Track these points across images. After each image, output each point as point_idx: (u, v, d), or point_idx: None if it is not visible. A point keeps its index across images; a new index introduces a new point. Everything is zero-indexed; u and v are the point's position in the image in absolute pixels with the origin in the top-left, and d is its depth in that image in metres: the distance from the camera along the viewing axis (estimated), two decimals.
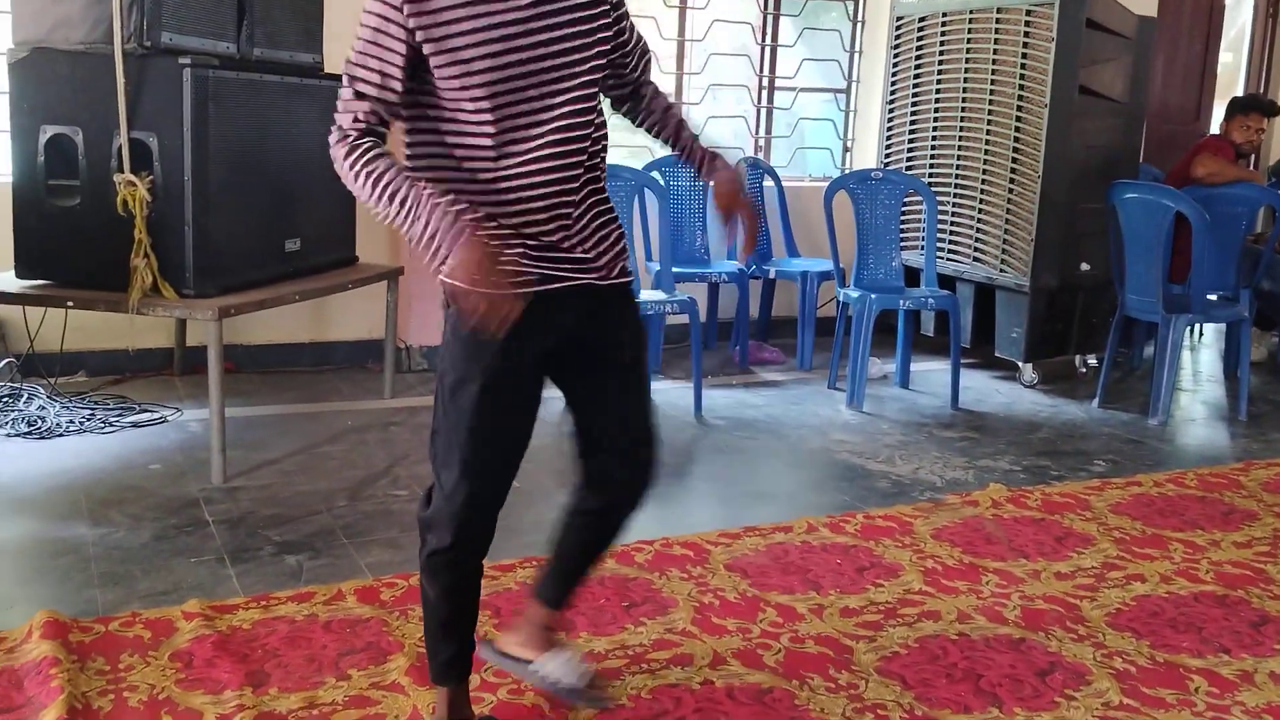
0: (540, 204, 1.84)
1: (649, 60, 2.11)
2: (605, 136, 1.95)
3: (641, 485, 2.06)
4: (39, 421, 3.89)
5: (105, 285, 3.41)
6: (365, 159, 1.79)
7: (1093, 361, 5.29)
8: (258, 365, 4.83)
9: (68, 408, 4.04)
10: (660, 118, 2.12)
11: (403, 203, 1.76)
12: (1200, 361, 6.06)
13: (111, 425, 3.94)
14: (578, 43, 1.83)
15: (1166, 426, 4.54)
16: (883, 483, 3.68)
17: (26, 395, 4.08)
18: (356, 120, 1.82)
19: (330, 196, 4.13)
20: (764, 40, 6.10)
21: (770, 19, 6.10)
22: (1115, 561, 3.03)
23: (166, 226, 3.38)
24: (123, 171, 3.34)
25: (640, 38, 2.07)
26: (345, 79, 1.83)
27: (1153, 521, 3.36)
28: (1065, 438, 4.31)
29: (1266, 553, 3.14)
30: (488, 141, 1.80)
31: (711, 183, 2.05)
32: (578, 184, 1.88)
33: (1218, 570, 3.00)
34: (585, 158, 1.88)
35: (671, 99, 2.15)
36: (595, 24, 1.87)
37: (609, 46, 1.92)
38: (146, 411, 4.10)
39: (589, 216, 1.93)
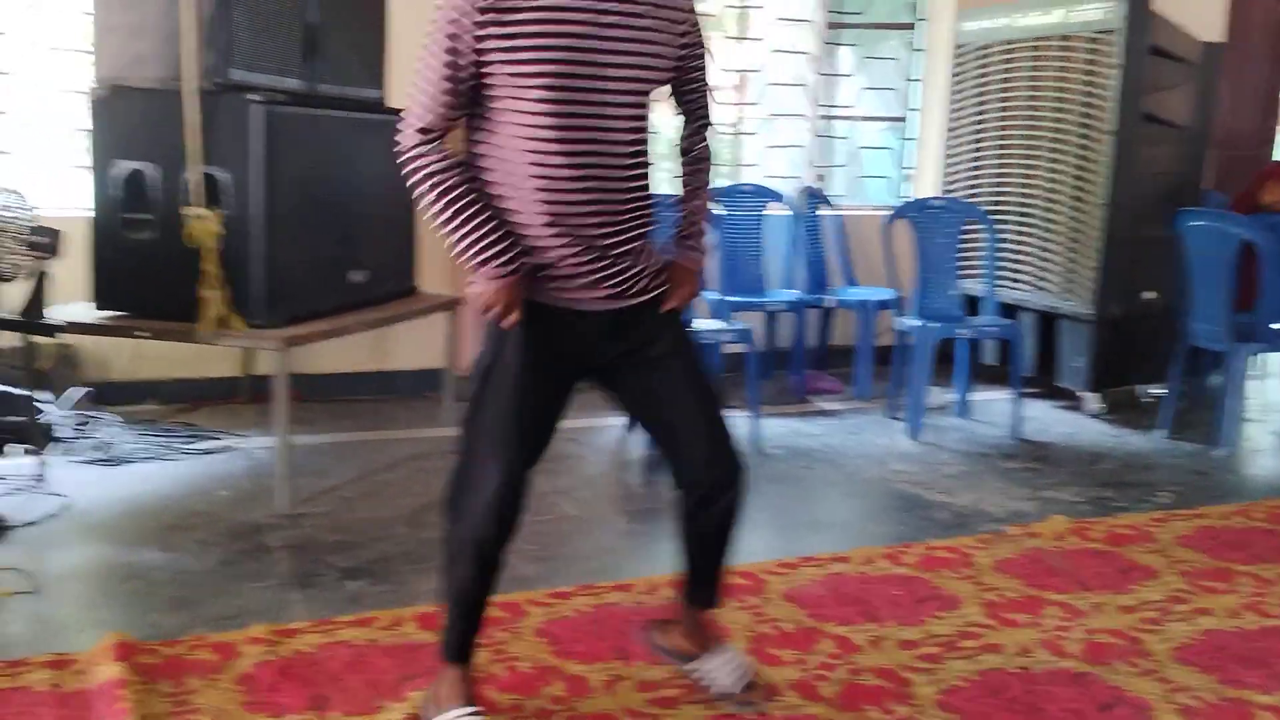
0: (587, 206, 1.97)
1: (705, 96, 2.19)
2: (647, 150, 2.06)
3: (728, 465, 2.14)
4: (111, 448, 3.99)
5: (177, 316, 3.50)
6: (437, 169, 1.95)
7: (1155, 391, 5.20)
8: (321, 394, 4.91)
9: (139, 435, 4.15)
10: (688, 174, 2.24)
11: (463, 220, 1.95)
12: (1267, 391, 5.92)
13: (181, 452, 4.04)
14: (639, 56, 1.95)
15: (1233, 457, 4.45)
16: (942, 514, 3.64)
17: (100, 423, 4.20)
18: (427, 123, 1.96)
19: (392, 228, 4.23)
20: (822, 70, 6.12)
21: (828, 49, 6.11)
22: (1180, 595, 2.97)
23: (236, 259, 3.47)
24: (194, 205, 3.44)
25: (703, 73, 2.16)
26: (420, 78, 1.96)
27: (1219, 554, 3.29)
28: (1129, 469, 4.24)
29: None
30: (546, 144, 1.93)
31: (676, 261, 2.19)
32: (622, 192, 2.01)
33: None
34: (631, 164, 2.01)
35: (707, 169, 2.26)
36: (661, 42, 1.99)
37: (672, 66, 2.04)
38: (214, 439, 4.20)
39: (631, 226, 2.04)
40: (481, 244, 1.95)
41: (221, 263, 3.44)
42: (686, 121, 2.25)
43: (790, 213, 5.59)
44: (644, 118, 2.02)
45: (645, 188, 2.07)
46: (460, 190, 1.95)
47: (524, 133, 1.93)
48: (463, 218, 1.95)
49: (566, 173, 1.93)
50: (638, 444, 4.31)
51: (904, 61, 6.27)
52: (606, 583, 2.95)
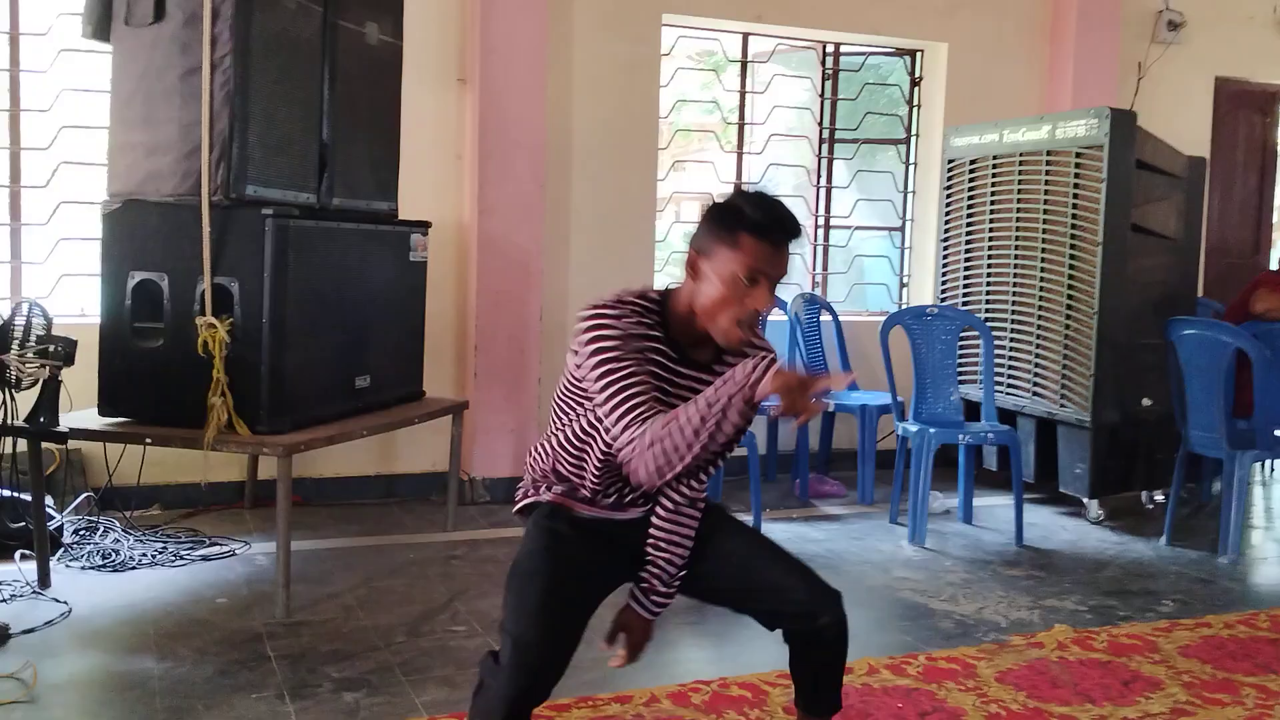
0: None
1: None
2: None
3: (825, 590, 2.21)
4: (113, 554, 4.00)
5: (182, 423, 3.55)
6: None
7: (1160, 498, 5.21)
8: (326, 498, 4.93)
9: (141, 541, 4.16)
10: (669, 520, 2.32)
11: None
12: (1272, 497, 5.92)
13: (182, 559, 4.04)
14: None
15: (1237, 565, 4.44)
16: (946, 622, 3.63)
17: (103, 528, 4.21)
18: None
19: (400, 334, 4.31)
20: (819, 182, 6.27)
21: (824, 162, 6.27)
22: (1185, 707, 2.95)
23: (243, 366, 3.53)
24: (204, 315, 3.52)
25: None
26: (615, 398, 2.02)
27: (1223, 665, 3.27)
28: (1132, 576, 4.23)
29: None
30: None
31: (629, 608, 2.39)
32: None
33: None
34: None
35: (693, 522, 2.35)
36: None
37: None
38: (216, 545, 4.21)
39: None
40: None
41: (228, 370, 3.50)
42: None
43: (789, 319, 5.68)
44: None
45: None
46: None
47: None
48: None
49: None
50: None
51: (898, 175, 6.43)
52: (605, 695, 2.93)
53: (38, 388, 3.54)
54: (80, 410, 3.79)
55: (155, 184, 3.62)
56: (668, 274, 6.15)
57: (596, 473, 2.20)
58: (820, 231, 6.30)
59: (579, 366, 2.08)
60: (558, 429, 2.23)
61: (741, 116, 6.03)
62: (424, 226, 4.37)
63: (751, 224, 2.00)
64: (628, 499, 2.27)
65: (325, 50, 3.85)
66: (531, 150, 5.10)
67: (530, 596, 2.08)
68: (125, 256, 3.67)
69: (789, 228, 2.03)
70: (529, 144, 5.10)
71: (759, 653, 3.32)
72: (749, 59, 6.02)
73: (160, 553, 4.07)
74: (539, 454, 2.30)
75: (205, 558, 4.07)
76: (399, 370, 4.34)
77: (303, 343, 3.67)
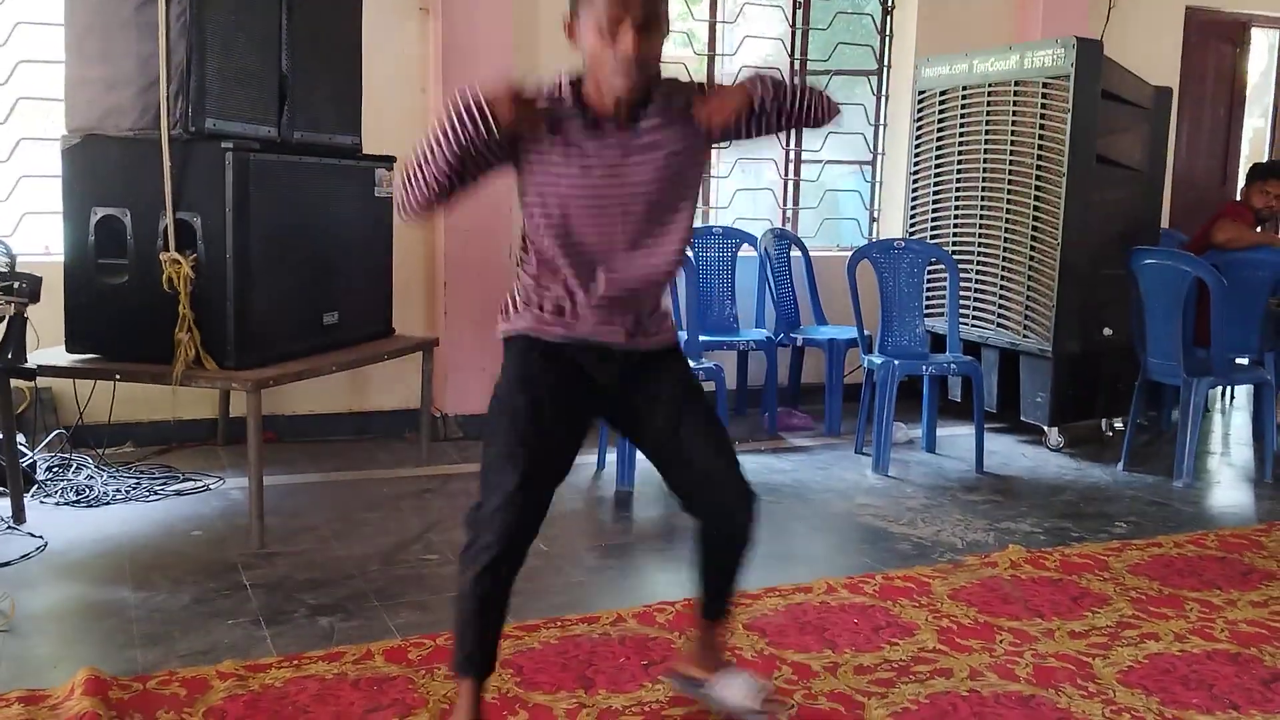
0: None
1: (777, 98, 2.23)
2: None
3: (743, 492, 2.28)
4: (87, 490, 4.04)
5: (151, 359, 3.58)
6: None
7: (1119, 425, 5.31)
8: (299, 435, 4.98)
9: (115, 477, 4.20)
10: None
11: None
12: (1231, 425, 6.05)
13: (156, 494, 4.09)
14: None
15: (1191, 489, 4.55)
16: (904, 545, 3.73)
17: (76, 465, 4.25)
18: None
19: (368, 271, 4.32)
20: None
21: None
22: (1130, 620, 3.06)
23: (209, 302, 3.55)
24: (168, 250, 3.53)
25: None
26: None
27: (1170, 581, 3.38)
28: (1088, 500, 4.34)
29: None
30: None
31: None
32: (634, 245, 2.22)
33: (1233, 629, 3.01)
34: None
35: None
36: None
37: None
38: (190, 480, 4.25)
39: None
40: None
41: (194, 306, 3.53)
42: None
43: (759, 254, 5.71)
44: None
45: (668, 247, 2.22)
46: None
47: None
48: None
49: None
50: (609, 481, 4.39)
51: (870, 107, 6.43)
52: (573, 615, 3.01)
53: (3, 325, 3.55)
54: (48, 348, 3.81)
55: (114, 119, 3.61)
56: None
57: (553, 251, 2.19)
58: (790, 166, 6.32)
59: None
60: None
61: (711, 48, 6.01)
62: (389, 161, 4.36)
63: None
64: (605, 298, 2.20)
65: None
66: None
67: (503, 439, 2.14)
68: (87, 193, 3.67)
69: None
70: (495, 75, 5.06)
71: None
72: None
73: (134, 488, 4.12)
74: (517, 275, 2.31)
75: (179, 493, 4.12)
76: (367, 307, 4.36)
77: (268, 278, 3.69)
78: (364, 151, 4.32)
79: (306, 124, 3.96)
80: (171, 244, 3.53)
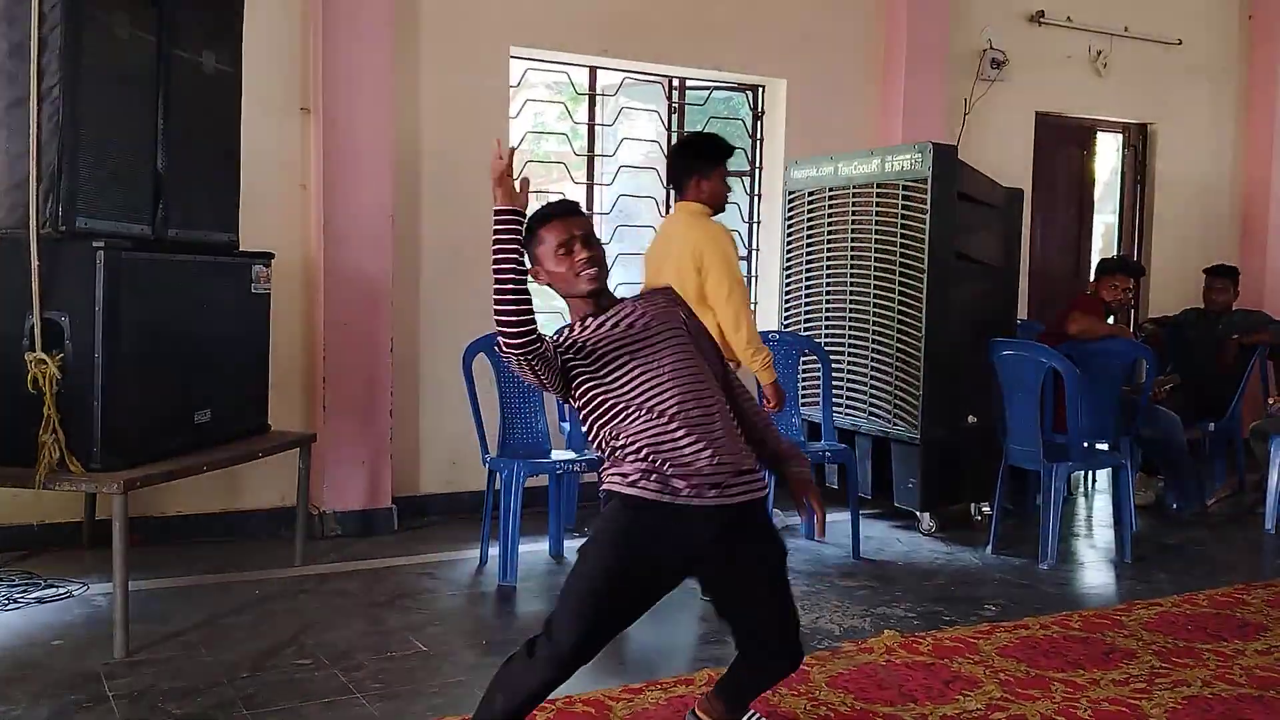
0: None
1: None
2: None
3: (794, 654, 2.64)
4: None
5: (13, 461, 3.46)
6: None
7: (987, 509, 5.50)
8: (170, 538, 4.82)
9: None
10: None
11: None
12: (1094, 507, 6.31)
13: (15, 601, 3.91)
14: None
15: (1055, 570, 4.73)
16: None
17: None
18: None
19: (242, 367, 4.27)
20: (668, 213, 6.43)
21: (672, 192, 6.43)
22: (999, 703, 3.16)
23: (76, 402, 3.46)
24: (34, 350, 3.44)
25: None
26: None
27: (1037, 663, 3.50)
28: (959, 584, 4.47)
29: (1143, 689, 3.29)
30: None
31: (788, 476, 2.70)
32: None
33: (1096, 708, 3.13)
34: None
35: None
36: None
37: None
38: (52, 586, 4.08)
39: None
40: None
41: (61, 406, 3.43)
42: None
43: None
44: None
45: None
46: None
47: None
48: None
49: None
50: (491, 576, 4.37)
51: (744, 205, 6.66)
52: (453, 716, 2.98)
53: None
54: None
55: None
56: None
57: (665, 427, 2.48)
58: None
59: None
60: (606, 422, 2.52)
61: (591, 148, 6.16)
62: (266, 258, 4.35)
63: (539, 220, 2.57)
64: (727, 458, 2.49)
65: (159, 80, 3.80)
66: (379, 180, 5.13)
67: (584, 597, 2.42)
68: None
69: (564, 205, 2.63)
70: (376, 174, 5.12)
71: (603, 670, 3.41)
72: (597, 92, 6.16)
73: None
74: (619, 442, 2.51)
75: (40, 599, 3.96)
76: (242, 404, 4.29)
77: (138, 377, 3.62)
78: (241, 248, 4.29)
79: (181, 221, 3.93)
80: (38, 344, 3.44)
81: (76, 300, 3.48)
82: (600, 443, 2.53)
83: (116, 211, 3.64)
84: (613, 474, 2.51)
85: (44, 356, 3.43)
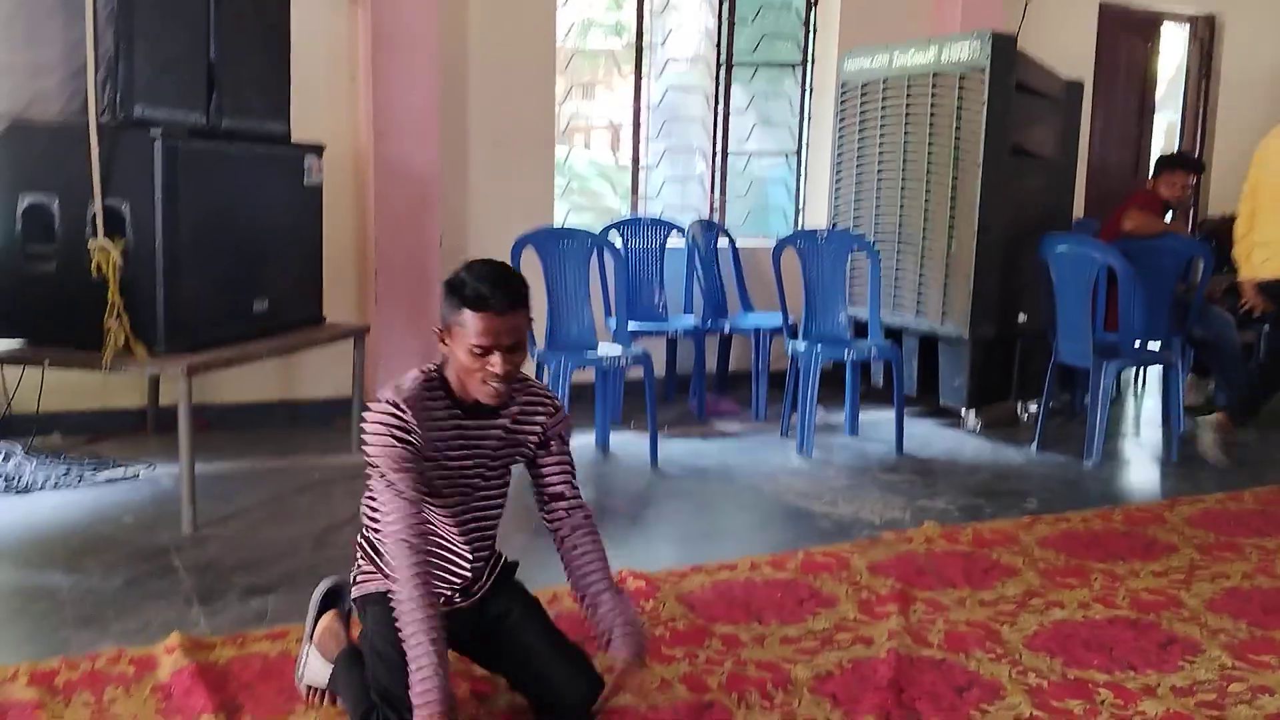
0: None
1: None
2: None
3: (590, 681, 2.31)
4: (16, 478, 4.01)
5: (80, 346, 3.58)
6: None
7: (1034, 408, 5.51)
8: (230, 423, 4.97)
9: (44, 465, 4.18)
10: (583, 565, 2.38)
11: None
12: (1143, 407, 6.29)
13: (86, 481, 4.08)
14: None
15: (1100, 468, 4.75)
16: (825, 523, 3.86)
17: (4, 453, 4.21)
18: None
19: (298, 258, 4.34)
20: (717, 106, 6.38)
21: (723, 86, 6.38)
22: (1037, 590, 3.22)
23: (139, 289, 3.55)
24: (97, 237, 3.52)
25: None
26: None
27: (1076, 554, 3.55)
28: (1002, 479, 4.51)
29: (1181, 580, 3.33)
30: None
31: (617, 667, 2.27)
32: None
33: (1134, 597, 3.18)
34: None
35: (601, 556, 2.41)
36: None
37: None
38: (120, 467, 4.24)
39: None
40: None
41: (124, 292, 3.53)
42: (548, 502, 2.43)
43: (686, 245, 5.82)
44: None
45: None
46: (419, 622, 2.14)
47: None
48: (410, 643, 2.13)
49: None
50: None
51: (795, 98, 6.57)
52: None
53: None
54: None
55: (41, 105, 3.59)
56: (567, 200, 6.23)
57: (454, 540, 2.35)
58: (718, 158, 6.43)
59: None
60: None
61: (639, 39, 6.09)
62: (318, 149, 4.38)
63: (471, 299, 2.14)
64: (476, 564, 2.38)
65: None
66: (427, 72, 5.11)
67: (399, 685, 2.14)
68: (14, 179, 3.64)
69: (508, 295, 2.15)
70: (424, 66, 5.10)
71: (655, 551, 3.52)
72: None
73: (64, 475, 4.09)
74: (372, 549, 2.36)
75: (110, 480, 4.11)
76: (298, 294, 4.37)
77: (198, 265, 3.70)
78: (293, 139, 4.33)
79: (235, 111, 3.97)
80: (100, 231, 3.52)
81: (136, 188, 3.54)
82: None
83: (172, 100, 3.68)
84: None
85: (107, 243, 3.51)
